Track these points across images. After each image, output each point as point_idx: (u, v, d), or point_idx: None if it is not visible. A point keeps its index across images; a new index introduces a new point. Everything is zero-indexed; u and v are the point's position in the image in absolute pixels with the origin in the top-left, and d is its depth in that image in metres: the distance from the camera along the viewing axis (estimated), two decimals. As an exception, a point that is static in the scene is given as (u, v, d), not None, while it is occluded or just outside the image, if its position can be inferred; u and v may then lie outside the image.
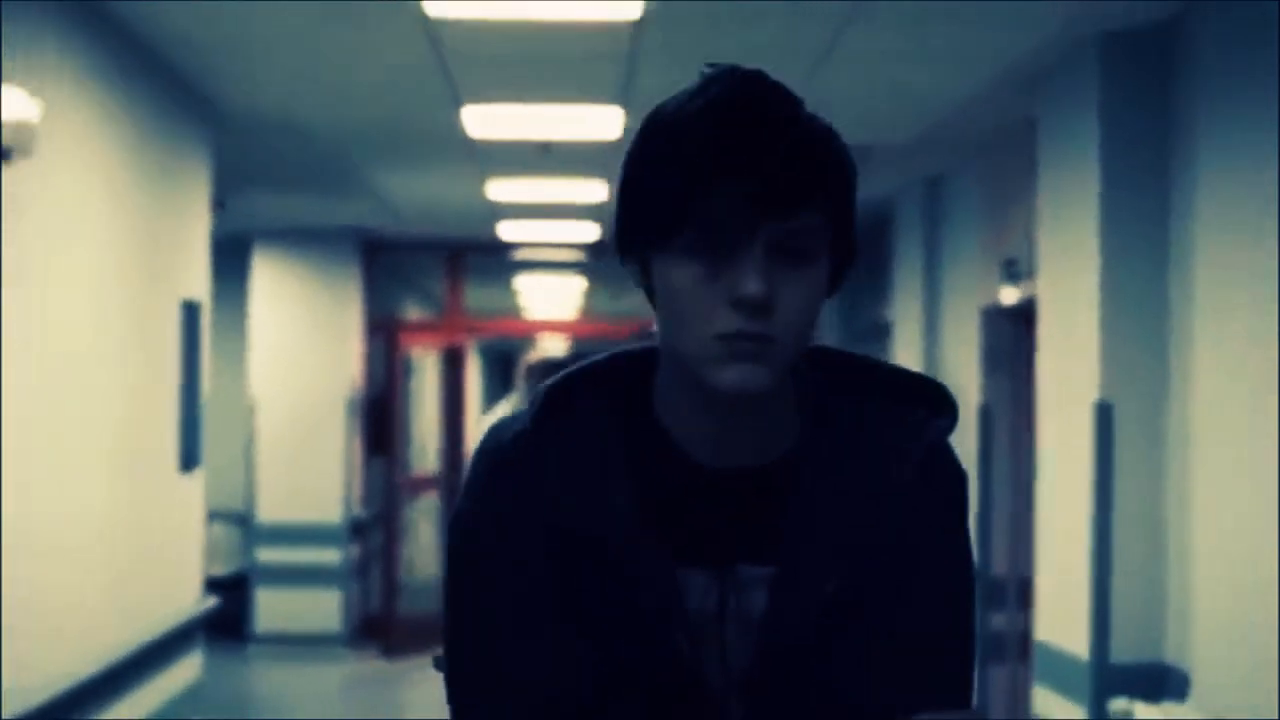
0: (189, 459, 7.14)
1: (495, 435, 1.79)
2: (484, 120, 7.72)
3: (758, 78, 1.70)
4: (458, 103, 7.37)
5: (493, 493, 1.75)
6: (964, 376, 9.11)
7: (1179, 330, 5.91)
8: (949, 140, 8.34)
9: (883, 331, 11.00)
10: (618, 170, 1.76)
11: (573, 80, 6.79)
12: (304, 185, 10.31)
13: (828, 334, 12.85)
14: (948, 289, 9.54)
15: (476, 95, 7.24)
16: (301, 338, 12.91)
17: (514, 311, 20.12)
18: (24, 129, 4.77)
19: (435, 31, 6.02)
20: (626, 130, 7.62)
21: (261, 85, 7.11)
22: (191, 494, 7.38)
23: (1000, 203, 8.17)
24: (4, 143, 4.65)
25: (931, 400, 1.81)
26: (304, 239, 12.74)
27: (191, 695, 7.42)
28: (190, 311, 7.16)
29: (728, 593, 1.73)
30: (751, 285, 1.63)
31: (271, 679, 11.42)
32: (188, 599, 7.35)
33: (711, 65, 1.72)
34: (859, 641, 1.73)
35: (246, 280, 12.84)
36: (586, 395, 1.78)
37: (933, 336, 9.78)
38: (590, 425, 1.76)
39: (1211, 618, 5.64)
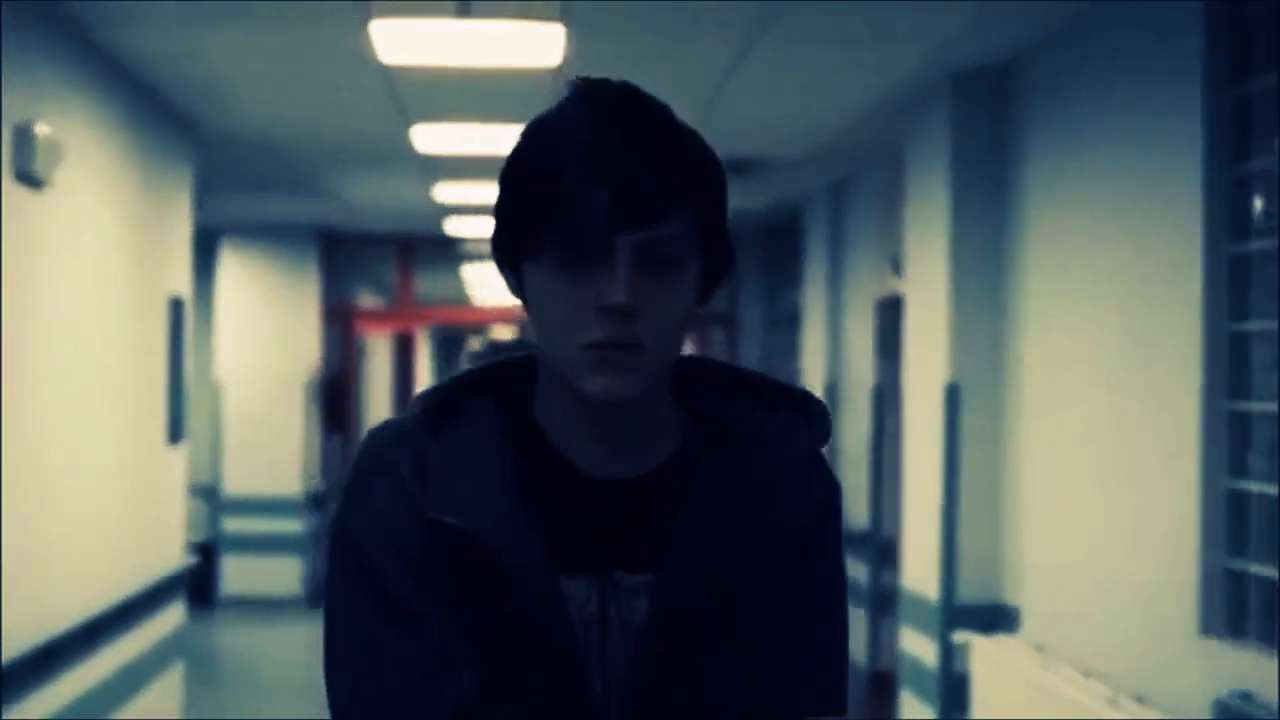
0: (175, 433, 8.22)
1: (377, 438, 1.76)
2: (431, 137, 8.80)
3: (624, 90, 1.70)
4: (408, 123, 8.46)
5: (375, 494, 1.72)
6: (861, 361, 10.15)
7: (1013, 324, 7.01)
8: (845, 153, 9.40)
9: (795, 319, 12.04)
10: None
11: (507, 106, 7.86)
12: (269, 188, 11.32)
13: (750, 321, 13.92)
14: (848, 282, 10.54)
15: (424, 117, 8.33)
16: (264, 324, 13.88)
17: (462, 299, 21.04)
18: (53, 162, 5.84)
19: (388, 72, 7.11)
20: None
21: (237, 110, 8.17)
22: (177, 464, 8.45)
23: (890, 207, 9.19)
24: (38, 175, 5.72)
25: (805, 411, 1.82)
26: (267, 233, 13.70)
27: (177, 639, 8.49)
28: (176, 306, 8.24)
29: (608, 600, 1.73)
30: (615, 294, 1.63)
31: (239, 638, 12.32)
32: (174, 556, 8.42)
33: (583, 79, 1.72)
34: (734, 649, 1.73)
35: (214, 271, 13.79)
36: (471, 400, 1.77)
37: (836, 324, 10.77)
38: (474, 429, 1.75)
39: (1038, 564, 6.74)
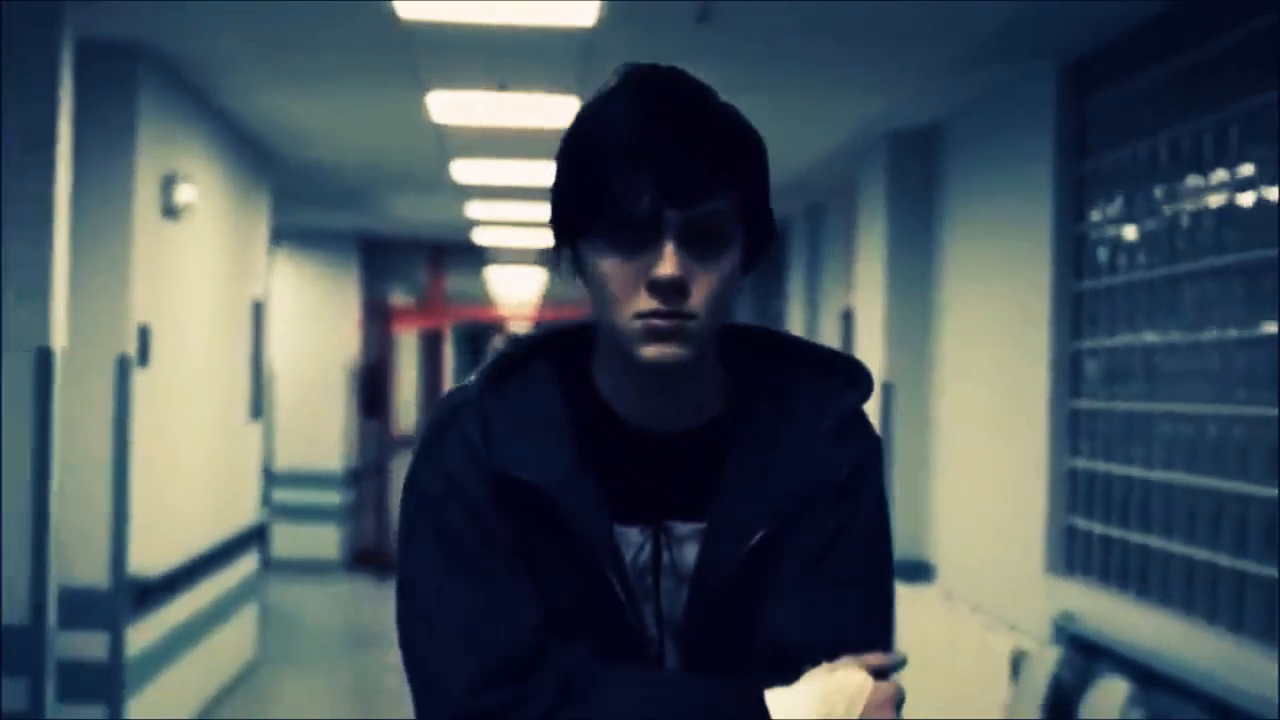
0: (256, 411, 10.02)
1: (448, 401, 1.86)
2: (467, 170, 10.59)
3: (669, 74, 1.78)
4: (448, 160, 10.23)
5: (444, 452, 1.82)
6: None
7: (934, 333, 8.76)
8: (816, 185, 11.11)
9: (781, 320, 13.69)
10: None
11: (533, 147, 9.58)
12: (323, 203, 13.11)
13: (744, 318, 15.51)
14: (823, 294, 12.21)
15: (462, 155, 10.09)
16: (310, 319, 15.54)
17: (485, 298, 22.70)
18: (184, 199, 7.61)
19: (438, 128, 8.89)
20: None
21: (310, 147, 9.94)
22: (254, 437, 10.25)
23: (851, 232, 10.92)
24: (175, 209, 7.49)
25: (848, 373, 1.90)
26: (314, 239, 15.33)
27: (252, 583, 10.28)
28: (257, 307, 10.03)
29: (661, 547, 1.82)
30: (664, 269, 1.71)
31: (288, 592, 13.93)
32: (250, 513, 10.21)
33: (629, 64, 1.80)
34: (783, 590, 1.80)
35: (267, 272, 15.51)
36: (534, 362, 1.86)
37: (812, 330, 12.43)
38: (537, 389, 1.84)
39: (948, 526, 8.48)
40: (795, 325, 12.73)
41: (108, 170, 6.84)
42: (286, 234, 15.01)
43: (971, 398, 8.10)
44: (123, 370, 6.85)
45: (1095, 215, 6.68)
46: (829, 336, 11.74)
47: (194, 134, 8.15)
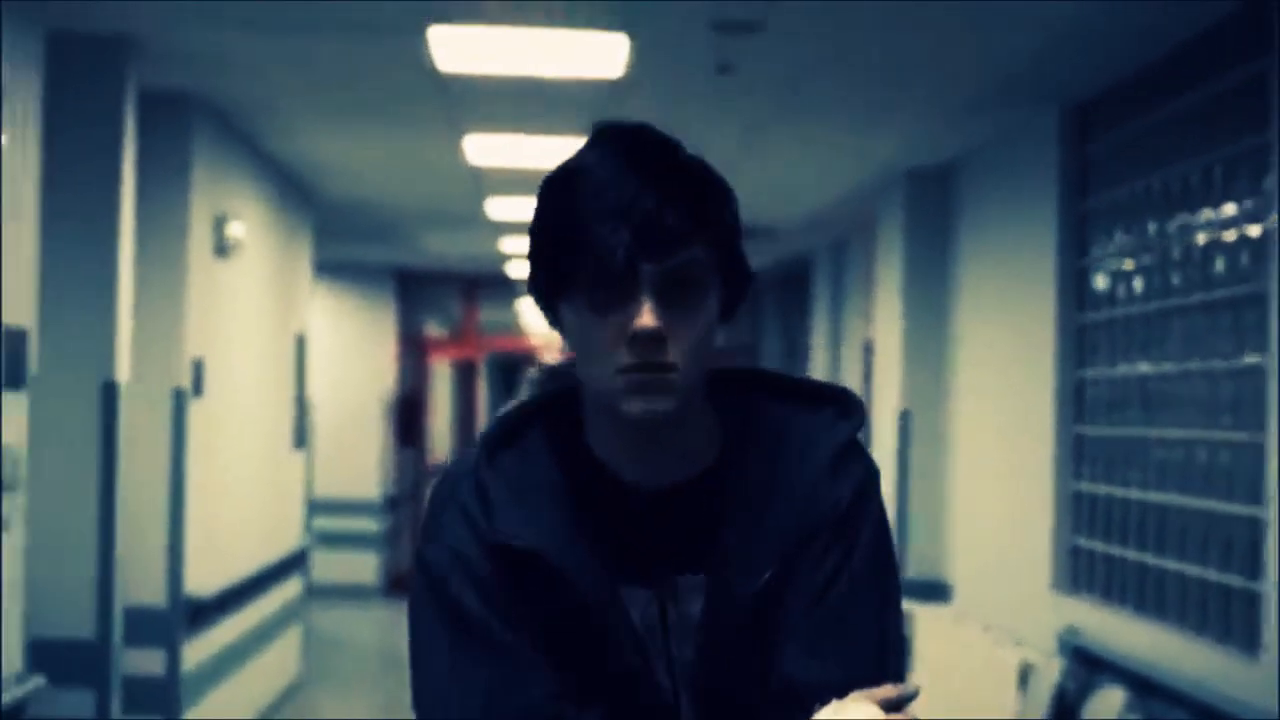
0: (299, 440, 10.45)
1: (445, 476, 1.88)
2: (502, 208, 11.02)
3: (637, 131, 1.81)
4: (483, 197, 10.66)
5: (445, 527, 1.83)
6: (852, 389, 12.20)
7: (949, 362, 9.13)
8: (837, 221, 11.51)
9: (806, 352, 14.12)
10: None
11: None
12: (364, 238, 13.56)
13: (770, 351, 16.02)
14: (845, 325, 12.57)
15: (497, 193, 10.52)
16: (348, 351, 15.98)
17: (517, 329, 23.17)
18: (234, 237, 8.04)
19: (475, 169, 9.31)
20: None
21: (350, 186, 10.38)
22: (298, 464, 10.68)
23: (872, 265, 11.29)
24: (226, 248, 7.93)
25: (839, 403, 1.90)
26: (352, 272, 15.79)
27: (297, 605, 10.70)
28: (300, 340, 10.47)
29: (666, 603, 1.82)
30: (644, 321, 1.73)
31: (328, 616, 14.30)
32: (296, 537, 10.63)
33: (599, 123, 1.83)
34: (789, 632, 1.79)
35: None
36: (527, 430, 1.88)
37: (835, 359, 12.84)
38: (532, 456, 1.85)
39: (965, 547, 8.84)
40: (819, 357, 13.15)
41: (164, 211, 7.27)
42: (325, 268, 15.34)
43: (983, 423, 8.47)
44: (179, 402, 7.27)
45: (1096, 251, 7.05)
46: (851, 367, 12.12)
47: (242, 175, 8.58)
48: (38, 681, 5.43)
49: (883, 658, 1.82)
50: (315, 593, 14.93)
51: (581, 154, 1.80)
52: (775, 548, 1.81)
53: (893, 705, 1.76)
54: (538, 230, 1.81)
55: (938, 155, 8.95)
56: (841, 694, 1.76)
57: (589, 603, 1.79)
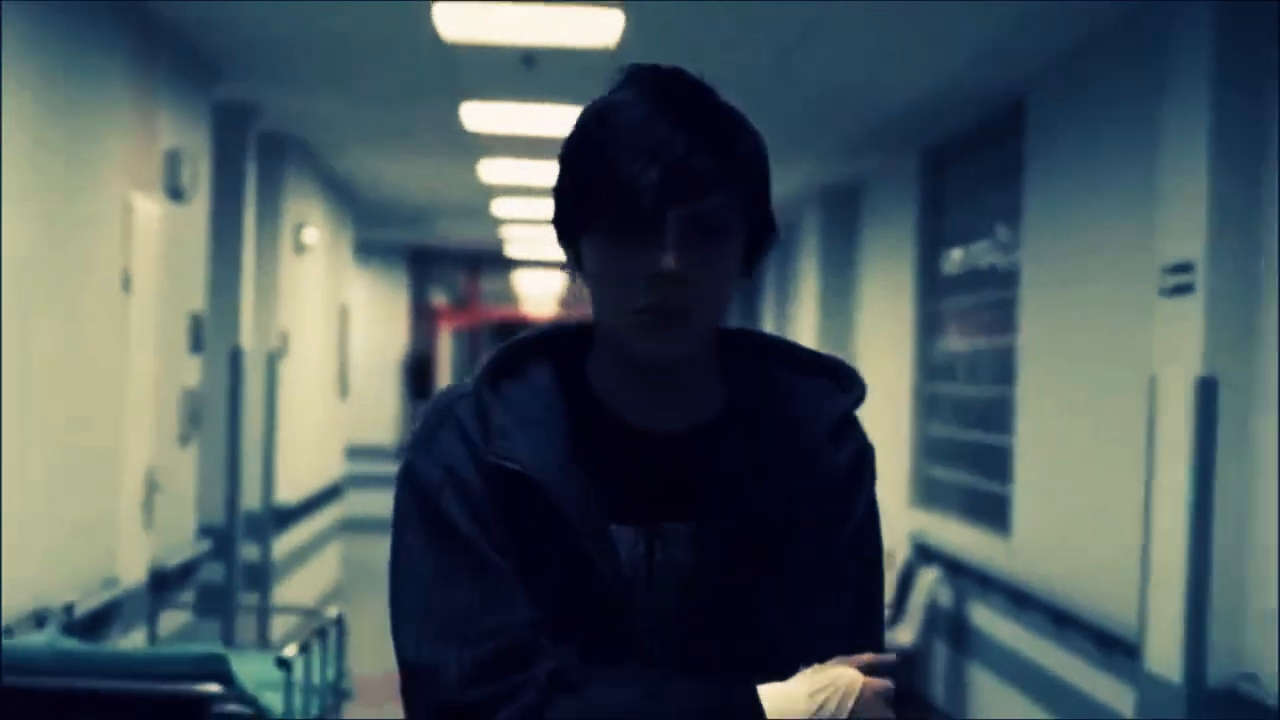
0: (344, 392, 13.19)
1: (444, 395, 1.85)
2: (507, 206, 13.71)
3: (672, 74, 1.80)
4: (491, 198, 13.35)
5: (440, 443, 1.80)
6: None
7: (852, 350, 11.83)
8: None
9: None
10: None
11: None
12: (387, 224, 16.22)
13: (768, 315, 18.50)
14: (793, 311, 15.32)
15: (504, 195, 13.19)
16: (368, 318, 18.45)
17: (514, 298, 25.67)
18: (307, 238, 10.73)
19: (487, 182, 12.02)
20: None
21: (384, 189, 13.08)
22: (343, 411, 13.42)
23: (796, 260, 13.98)
24: (303, 247, 10.61)
25: (838, 376, 1.92)
26: (372, 250, 18.22)
27: (342, 523, 13.43)
28: (343, 311, 13.18)
29: (654, 547, 1.80)
30: (665, 262, 1.71)
31: (353, 543, 17.02)
32: (340, 468, 13.36)
33: (634, 65, 1.81)
34: (774, 593, 1.80)
35: (334, 278, 18.56)
36: (531, 360, 1.86)
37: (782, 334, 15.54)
38: (534, 386, 1.84)
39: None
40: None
41: (264, 222, 9.91)
42: (354, 248, 18.02)
43: (873, 386, 11.14)
44: (271, 363, 9.94)
45: (945, 259, 9.75)
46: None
47: (311, 188, 11.25)
48: (204, 545, 8.10)
49: (865, 626, 1.85)
50: (343, 525, 17.64)
51: (615, 92, 1.80)
52: (769, 508, 1.81)
53: (872, 671, 1.78)
54: (567, 166, 1.80)
55: (845, 178, 11.61)
56: (823, 658, 1.78)
57: (578, 532, 1.77)
